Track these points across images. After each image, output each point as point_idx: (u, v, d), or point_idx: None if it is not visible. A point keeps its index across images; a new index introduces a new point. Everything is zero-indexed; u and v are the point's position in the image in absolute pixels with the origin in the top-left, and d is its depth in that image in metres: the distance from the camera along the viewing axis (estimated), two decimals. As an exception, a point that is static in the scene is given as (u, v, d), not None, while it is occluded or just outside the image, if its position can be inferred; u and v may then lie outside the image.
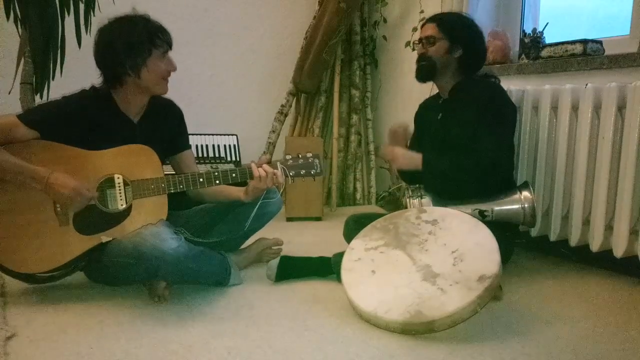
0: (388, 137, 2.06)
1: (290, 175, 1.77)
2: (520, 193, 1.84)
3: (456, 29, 1.93)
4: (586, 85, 1.90)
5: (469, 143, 1.85)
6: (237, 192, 1.85)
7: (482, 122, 1.83)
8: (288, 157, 1.80)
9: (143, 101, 1.78)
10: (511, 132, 1.92)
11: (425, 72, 1.96)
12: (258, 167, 1.74)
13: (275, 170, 1.75)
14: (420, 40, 1.97)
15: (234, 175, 1.75)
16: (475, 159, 1.80)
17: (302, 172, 1.79)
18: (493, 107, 1.85)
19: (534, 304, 1.69)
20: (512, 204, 1.83)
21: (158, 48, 1.69)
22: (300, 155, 1.80)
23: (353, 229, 1.91)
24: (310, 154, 1.80)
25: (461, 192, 1.87)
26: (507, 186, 1.90)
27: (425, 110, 2.14)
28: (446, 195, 1.88)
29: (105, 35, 1.68)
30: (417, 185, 1.92)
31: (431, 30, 1.93)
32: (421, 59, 1.95)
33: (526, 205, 1.82)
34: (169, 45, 1.72)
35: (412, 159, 1.88)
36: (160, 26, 1.71)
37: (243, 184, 1.81)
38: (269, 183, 1.75)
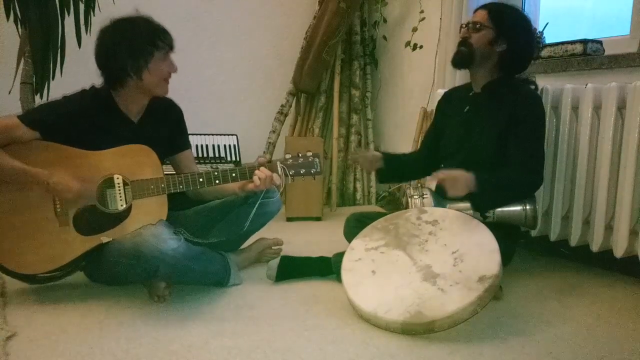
0: (359, 164, 1.95)
1: (290, 175, 1.77)
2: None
3: (507, 22, 1.83)
4: (586, 85, 1.90)
5: (492, 147, 1.81)
6: (234, 186, 1.85)
7: (522, 135, 1.77)
8: (288, 156, 1.80)
9: (143, 102, 1.78)
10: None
11: (461, 58, 1.86)
12: (257, 168, 1.74)
13: (273, 174, 1.75)
14: (467, 24, 1.89)
15: (233, 175, 1.75)
16: (527, 179, 1.76)
17: (302, 171, 1.79)
18: (534, 120, 1.79)
19: (534, 304, 1.69)
20: (514, 206, 1.82)
21: (160, 50, 1.69)
22: (300, 155, 1.80)
23: (354, 227, 1.91)
24: (310, 153, 1.80)
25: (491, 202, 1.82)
26: None
27: (451, 100, 2.06)
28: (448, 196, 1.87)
29: (107, 37, 1.68)
30: (419, 184, 1.91)
31: (480, 16, 1.85)
32: (462, 43, 1.87)
33: (528, 207, 1.81)
34: (170, 47, 1.72)
35: (468, 183, 1.69)
36: (162, 28, 1.71)
37: None
38: (267, 184, 1.75)
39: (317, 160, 1.79)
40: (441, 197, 1.87)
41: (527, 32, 1.86)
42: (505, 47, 1.82)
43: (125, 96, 1.73)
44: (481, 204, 1.78)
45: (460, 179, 1.69)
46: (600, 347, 1.39)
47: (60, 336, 1.43)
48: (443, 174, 1.72)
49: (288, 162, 1.78)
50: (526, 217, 1.82)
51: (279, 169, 1.76)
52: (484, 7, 1.89)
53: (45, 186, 1.58)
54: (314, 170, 1.79)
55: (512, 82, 1.88)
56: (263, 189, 1.77)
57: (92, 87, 1.74)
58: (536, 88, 1.91)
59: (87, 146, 1.67)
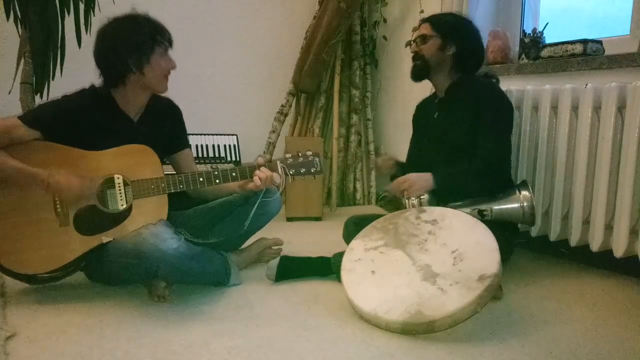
0: (377, 170, 2.06)
1: (290, 174, 1.77)
2: (519, 192, 1.84)
3: (449, 26, 1.94)
4: (586, 85, 1.90)
5: (466, 141, 1.87)
6: (234, 186, 1.85)
7: (481, 123, 1.85)
8: (288, 155, 1.80)
9: (143, 100, 1.78)
10: (509, 131, 1.93)
11: (418, 71, 1.97)
12: (257, 168, 1.74)
13: (273, 174, 1.75)
14: (414, 39, 1.99)
15: (233, 174, 1.75)
16: (478, 162, 1.82)
17: (302, 170, 1.79)
18: (491, 107, 1.86)
19: (534, 304, 1.69)
20: (511, 203, 1.83)
21: (160, 45, 1.70)
22: (300, 154, 1.80)
23: (353, 231, 1.91)
24: (310, 152, 1.80)
25: (461, 192, 1.87)
26: (505, 185, 1.91)
27: (423, 110, 2.16)
28: (446, 195, 1.88)
29: (108, 34, 1.68)
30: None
31: (424, 29, 1.95)
32: (415, 58, 1.97)
33: (525, 204, 1.82)
34: (169, 43, 1.73)
35: (427, 182, 1.84)
36: (161, 24, 1.72)
37: None
38: (267, 184, 1.75)
39: (317, 159, 1.80)
40: (439, 197, 1.87)
41: (471, 30, 1.96)
42: (455, 49, 1.91)
43: (125, 94, 1.74)
44: (443, 194, 1.87)
45: (416, 181, 1.83)
46: (600, 347, 1.39)
47: (60, 336, 1.43)
48: (400, 180, 1.86)
49: (288, 162, 1.78)
50: (524, 214, 1.83)
51: (279, 168, 1.76)
52: (424, 20, 2.00)
53: (46, 186, 1.58)
54: (314, 169, 1.80)
55: (472, 79, 1.96)
56: (263, 188, 1.77)
57: (92, 86, 1.75)
58: (497, 81, 2.00)
59: (87, 145, 1.67)
